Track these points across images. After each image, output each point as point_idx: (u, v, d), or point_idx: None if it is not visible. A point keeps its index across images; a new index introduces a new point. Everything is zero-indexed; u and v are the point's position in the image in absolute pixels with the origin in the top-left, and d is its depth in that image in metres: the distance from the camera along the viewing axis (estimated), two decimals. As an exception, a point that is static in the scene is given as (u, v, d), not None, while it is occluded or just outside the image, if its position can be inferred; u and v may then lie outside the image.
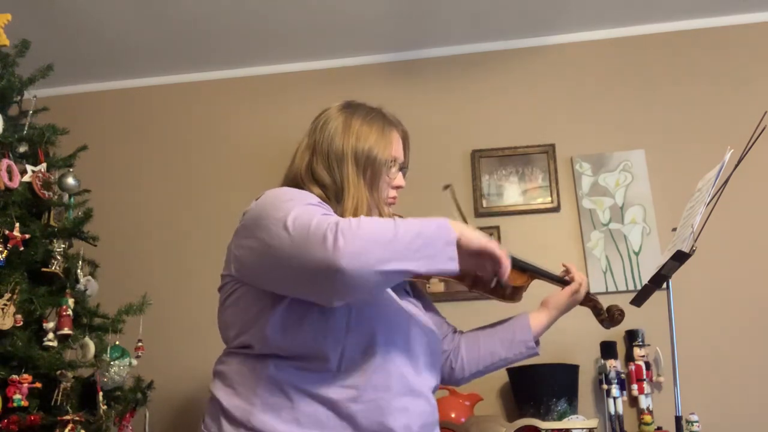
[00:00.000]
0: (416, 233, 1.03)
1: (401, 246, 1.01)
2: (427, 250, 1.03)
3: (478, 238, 1.10)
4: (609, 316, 1.54)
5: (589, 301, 1.56)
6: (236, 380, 1.15)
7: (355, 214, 1.23)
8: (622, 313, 1.53)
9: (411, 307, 1.30)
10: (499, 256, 1.13)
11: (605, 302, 1.61)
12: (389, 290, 1.25)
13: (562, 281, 1.53)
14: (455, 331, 1.52)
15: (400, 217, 1.36)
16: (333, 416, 1.09)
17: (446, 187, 1.55)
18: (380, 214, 1.28)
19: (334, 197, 1.26)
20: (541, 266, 1.51)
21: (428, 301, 1.48)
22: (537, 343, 1.48)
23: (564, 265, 1.56)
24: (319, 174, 1.28)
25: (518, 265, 1.47)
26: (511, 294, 1.44)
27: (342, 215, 1.22)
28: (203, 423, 1.19)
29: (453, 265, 1.05)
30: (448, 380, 1.49)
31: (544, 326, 1.49)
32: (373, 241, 0.99)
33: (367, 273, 0.98)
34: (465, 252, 1.09)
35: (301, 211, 1.05)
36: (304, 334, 1.11)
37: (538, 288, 1.57)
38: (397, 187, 1.35)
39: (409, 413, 1.14)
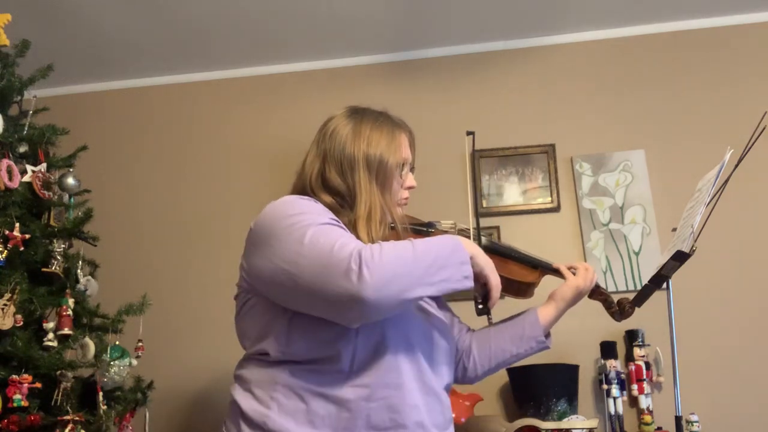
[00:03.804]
0: (434, 257, 1.09)
1: (420, 272, 1.07)
2: (444, 273, 1.09)
3: (489, 268, 1.18)
4: (619, 309, 1.58)
5: (600, 294, 1.59)
6: (254, 384, 1.18)
7: (368, 219, 1.25)
8: (632, 306, 1.57)
9: (424, 304, 1.31)
10: (493, 288, 1.20)
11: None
12: None
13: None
14: (467, 330, 1.52)
15: (411, 219, 1.38)
16: (347, 416, 1.11)
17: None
18: (392, 216, 1.30)
19: (347, 204, 1.28)
20: (548, 261, 1.55)
21: (441, 299, 1.48)
22: (548, 335, 1.49)
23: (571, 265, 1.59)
24: (331, 181, 1.29)
25: (529, 262, 1.52)
26: (524, 291, 1.49)
27: (355, 221, 1.25)
28: (224, 425, 1.22)
29: (468, 283, 1.12)
30: (462, 380, 1.49)
31: (552, 319, 1.49)
32: (395, 271, 1.04)
33: (391, 302, 1.05)
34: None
35: (317, 232, 1.09)
36: (315, 340, 1.14)
37: (548, 281, 1.59)
38: (410, 188, 1.39)
39: (421, 411, 1.16)
